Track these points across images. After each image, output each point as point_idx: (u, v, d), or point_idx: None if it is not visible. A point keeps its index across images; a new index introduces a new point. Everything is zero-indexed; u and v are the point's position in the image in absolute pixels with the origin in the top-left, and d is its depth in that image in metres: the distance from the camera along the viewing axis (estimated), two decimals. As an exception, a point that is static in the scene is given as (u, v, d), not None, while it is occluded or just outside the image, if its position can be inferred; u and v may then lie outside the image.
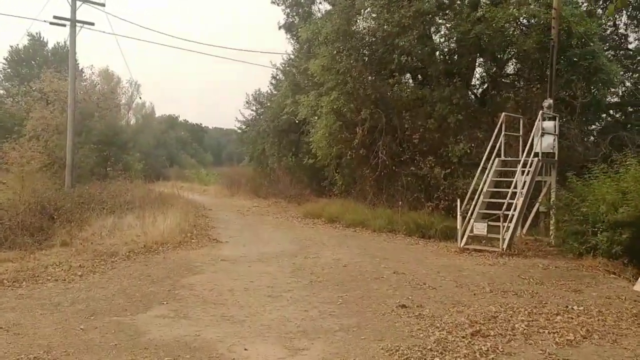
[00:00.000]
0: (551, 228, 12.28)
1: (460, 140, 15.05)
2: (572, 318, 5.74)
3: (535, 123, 12.01)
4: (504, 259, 10.11)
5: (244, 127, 28.96)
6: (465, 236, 11.27)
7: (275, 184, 23.29)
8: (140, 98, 50.85)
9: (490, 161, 12.02)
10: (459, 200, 12.79)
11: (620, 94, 18.83)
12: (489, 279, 8.14)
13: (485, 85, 17.37)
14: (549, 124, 12.46)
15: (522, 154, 11.87)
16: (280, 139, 23.97)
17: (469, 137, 15.27)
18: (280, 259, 9.96)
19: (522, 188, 11.34)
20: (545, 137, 12.17)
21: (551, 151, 12.52)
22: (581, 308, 6.18)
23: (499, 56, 16.51)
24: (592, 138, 17.53)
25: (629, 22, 19.43)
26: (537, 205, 12.73)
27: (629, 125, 18.26)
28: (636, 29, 19.59)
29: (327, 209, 16.77)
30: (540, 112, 12.16)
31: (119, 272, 8.49)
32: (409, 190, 15.80)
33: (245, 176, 28.10)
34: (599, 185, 10.77)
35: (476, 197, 11.58)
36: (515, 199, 11.19)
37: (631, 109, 19.88)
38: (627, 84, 19.27)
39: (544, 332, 5.28)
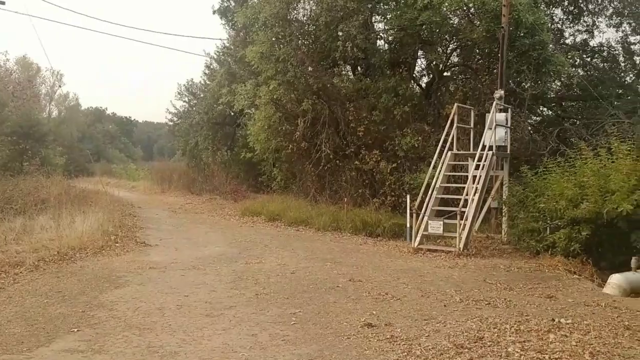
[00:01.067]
0: (503, 225, 11.78)
1: (407, 133, 14.35)
2: (566, 336, 4.94)
3: (490, 115, 11.41)
4: (462, 259, 9.45)
5: (175, 119, 27.24)
6: (419, 235, 10.50)
7: (209, 180, 22.08)
8: (60, 87, 47.61)
9: (443, 155, 11.31)
10: (408, 197, 12.09)
11: (557, 88, 18.81)
12: (455, 285, 7.34)
13: (431, 76, 16.76)
14: (500, 116, 11.88)
15: (475, 148, 11.26)
16: (215, 132, 22.82)
17: (415, 130, 14.60)
18: (218, 264, 8.79)
19: (477, 183, 10.70)
20: (497, 130, 11.56)
21: (503, 144, 11.95)
22: (569, 322, 5.42)
23: (444, 46, 15.93)
24: (529, 129, 17.33)
25: (565, 17, 19.49)
26: (489, 201, 12.15)
27: (564, 119, 18.25)
28: (571, 25, 19.68)
29: (266, 206, 15.70)
30: (494, 103, 11.56)
31: (22, 287, 7.03)
32: (354, 185, 15.06)
33: (178, 171, 26.65)
34: (556, 179, 10.27)
35: (429, 193, 10.82)
36: (471, 195, 10.52)
37: (567, 104, 19.96)
38: (562, 78, 19.28)
39: (544, 358, 4.42)
